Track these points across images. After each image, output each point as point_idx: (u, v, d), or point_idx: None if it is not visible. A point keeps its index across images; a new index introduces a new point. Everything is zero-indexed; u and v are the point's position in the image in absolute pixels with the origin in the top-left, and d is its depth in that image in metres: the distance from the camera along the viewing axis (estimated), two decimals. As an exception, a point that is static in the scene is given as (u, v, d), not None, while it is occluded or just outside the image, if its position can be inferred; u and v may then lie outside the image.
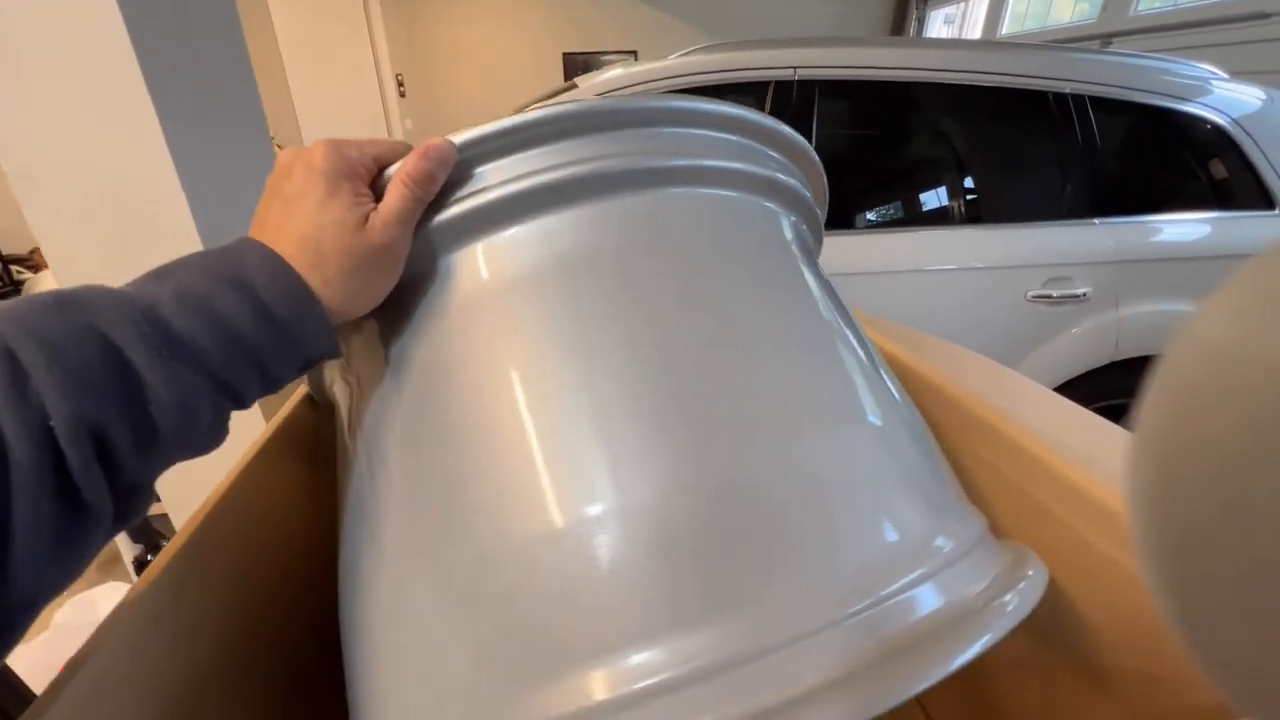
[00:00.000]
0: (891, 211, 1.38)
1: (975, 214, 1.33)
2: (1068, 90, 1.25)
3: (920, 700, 0.48)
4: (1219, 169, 1.27)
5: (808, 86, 1.27)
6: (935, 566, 0.25)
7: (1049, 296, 1.25)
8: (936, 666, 0.21)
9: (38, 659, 0.85)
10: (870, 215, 1.37)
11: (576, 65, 5.72)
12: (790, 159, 0.37)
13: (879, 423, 0.28)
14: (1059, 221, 1.28)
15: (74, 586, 0.30)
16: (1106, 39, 1.90)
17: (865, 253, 1.27)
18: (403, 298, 0.29)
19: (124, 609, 0.25)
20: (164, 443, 0.22)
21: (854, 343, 0.31)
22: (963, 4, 5.46)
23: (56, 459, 0.19)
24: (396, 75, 4.87)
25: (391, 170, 0.28)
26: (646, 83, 1.30)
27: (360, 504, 0.29)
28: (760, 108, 1.29)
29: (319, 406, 0.44)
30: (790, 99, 1.27)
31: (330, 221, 0.25)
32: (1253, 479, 0.10)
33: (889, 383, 0.32)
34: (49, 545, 0.19)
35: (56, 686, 0.22)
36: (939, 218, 1.36)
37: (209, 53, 0.80)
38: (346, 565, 0.30)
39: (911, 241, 1.29)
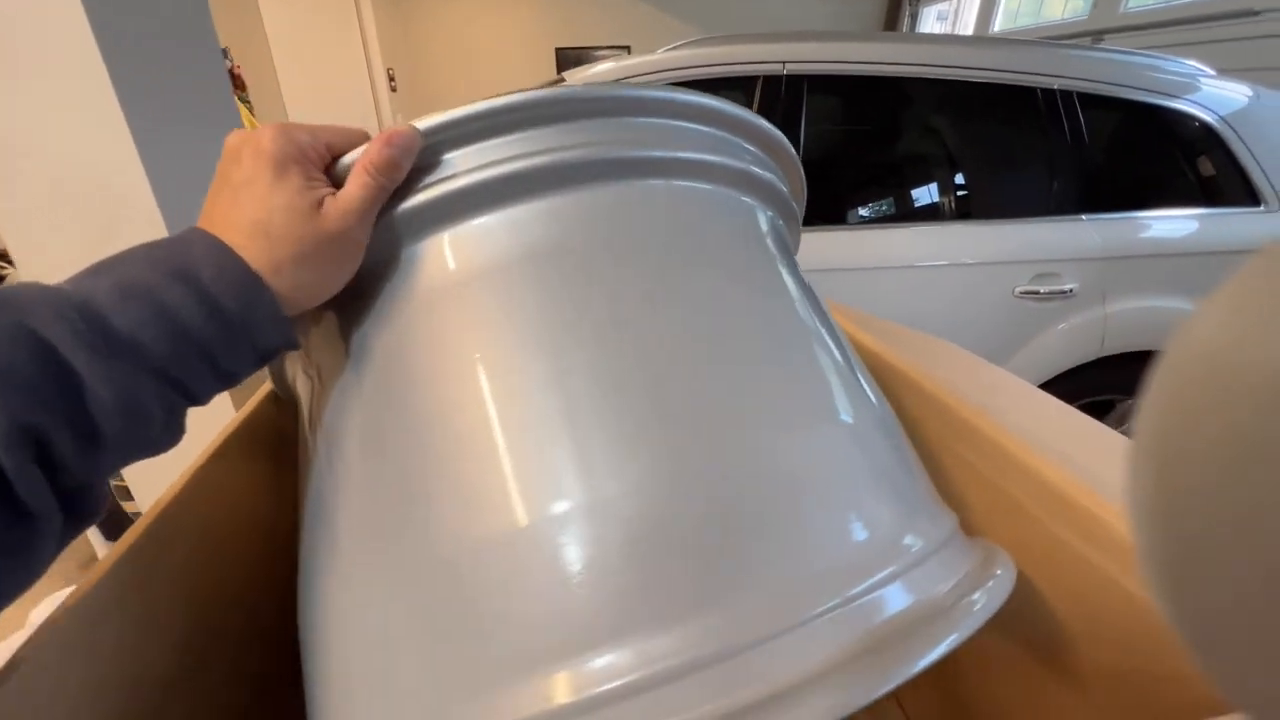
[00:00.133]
0: (880, 207, 1.38)
1: (963, 210, 1.33)
2: (1056, 86, 1.25)
3: (897, 696, 0.48)
4: (1206, 166, 1.28)
5: (796, 82, 1.26)
6: (904, 565, 0.24)
7: (1036, 293, 1.26)
8: (904, 666, 0.21)
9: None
10: (857, 211, 1.37)
11: (569, 61, 5.71)
12: (767, 152, 0.37)
13: (851, 421, 0.28)
14: (1046, 217, 1.28)
15: (53, 585, 0.29)
16: (1098, 36, 1.91)
17: (853, 248, 1.27)
18: (364, 288, 0.28)
19: (63, 611, 0.24)
20: (109, 443, 0.21)
21: (828, 340, 0.31)
22: (955, 0, 5.46)
23: None
24: (388, 70, 4.84)
25: (350, 159, 0.27)
26: (635, 77, 1.29)
27: (318, 502, 0.29)
28: (749, 103, 1.29)
29: (284, 402, 0.43)
30: (779, 94, 1.26)
31: (279, 206, 0.25)
32: (1251, 484, 0.10)
33: (863, 381, 0.31)
34: None
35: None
36: (926, 213, 1.36)
37: (177, 47, 0.78)
38: (304, 566, 0.29)
39: (898, 237, 1.29)
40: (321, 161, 0.27)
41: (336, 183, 0.27)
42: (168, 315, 0.22)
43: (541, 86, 1.67)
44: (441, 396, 0.26)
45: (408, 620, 0.24)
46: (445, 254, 0.27)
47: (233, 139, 0.26)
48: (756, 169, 0.34)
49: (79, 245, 0.73)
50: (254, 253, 0.24)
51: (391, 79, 4.91)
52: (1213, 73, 1.34)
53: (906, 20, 5.89)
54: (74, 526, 0.22)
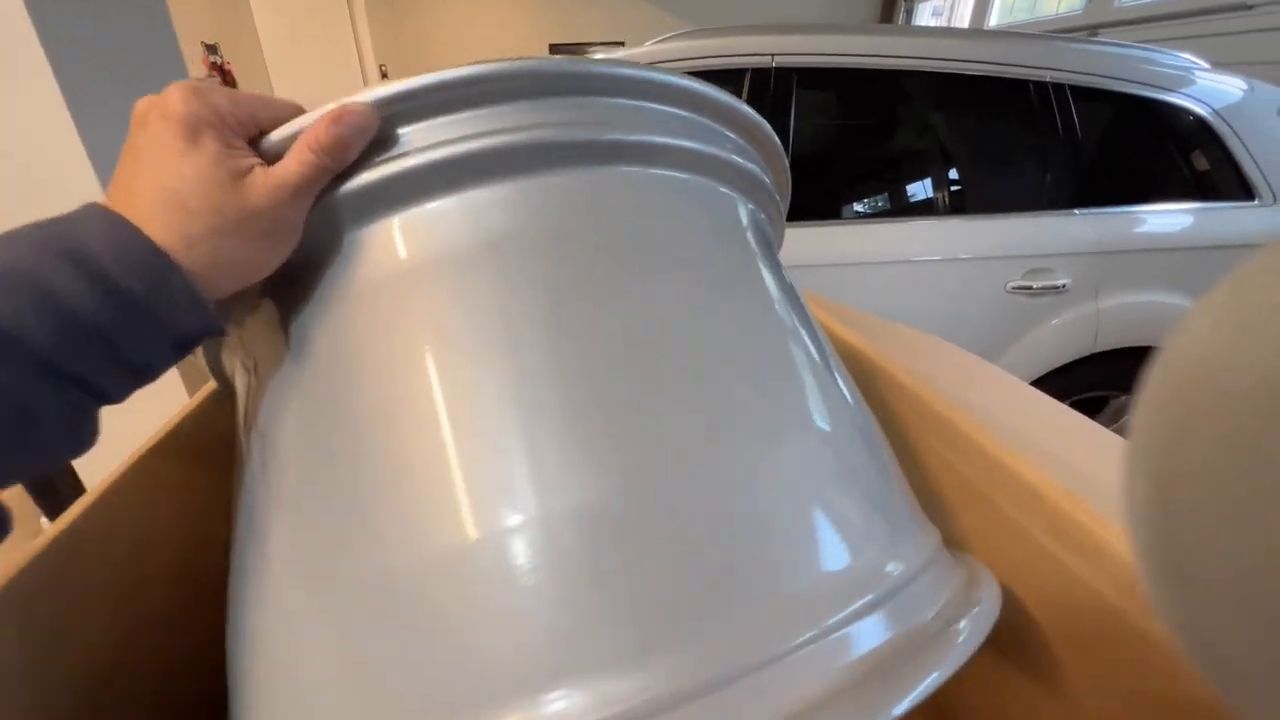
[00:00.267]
0: (870, 202, 1.37)
1: (955, 205, 1.32)
2: (1048, 79, 1.24)
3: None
4: (1200, 160, 1.27)
5: (785, 74, 1.25)
6: (885, 592, 0.23)
7: (1029, 288, 1.25)
8: (885, 708, 0.19)
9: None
10: (849, 205, 1.35)
11: (563, 56, 5.68)
12: (749, 141, 0.35)
13: (830, 432, 0.26)
14: (1039, 212, 1.27)
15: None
16: (1092, 30, 1.91)
17: (842, 244, 1.25)
18: (304, 274, 0.26)
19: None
20: None
21: (807, 343, 0.29)
22: (950, -4, 5.44)
23: None
24: (380, 66, 4.80)
25: (282, 134, 0.25)
26: (624, 70, 1.27)
27: (250, 508, 0.27)
28: (737, 96, 1.26)
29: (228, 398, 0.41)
30: (768, 87, 1.25)
31: (192, 174, 0.22)
32: (1250, 487, 0.10)
33: (842, 385, 0.30)
34: None
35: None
36: (917, 208, 1.35)
37: (124, 27, 0.73)
38: (233, 579, 0.27)
39: (888, 232, 1.28)
40: (243, 130, 0.24)
41: (265, 157, 0.24)
42: (54, 301, 0.19)
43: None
44: (384, 395, 0.24)
45: (338, 653, 0.22)
46: (395, 240, 0.25)
47: (141, 104, 0.23)
48: (738, 158, 0.32)
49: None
50: (160, 226, 0.21)
51: (384, 75, 4.87)
52: (1207, 66, 1.33)
53: (901, 15, 5.88)
54: None
